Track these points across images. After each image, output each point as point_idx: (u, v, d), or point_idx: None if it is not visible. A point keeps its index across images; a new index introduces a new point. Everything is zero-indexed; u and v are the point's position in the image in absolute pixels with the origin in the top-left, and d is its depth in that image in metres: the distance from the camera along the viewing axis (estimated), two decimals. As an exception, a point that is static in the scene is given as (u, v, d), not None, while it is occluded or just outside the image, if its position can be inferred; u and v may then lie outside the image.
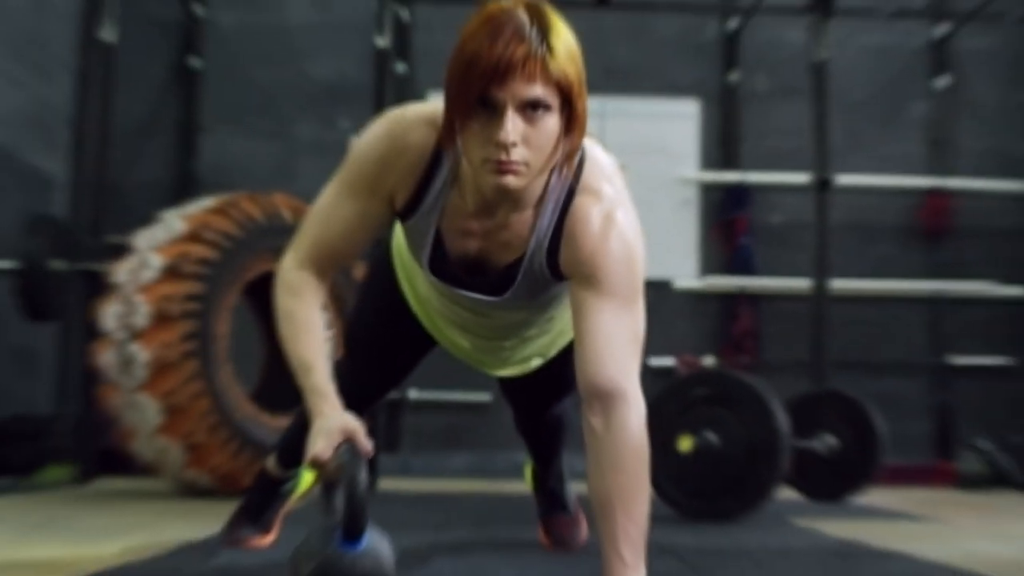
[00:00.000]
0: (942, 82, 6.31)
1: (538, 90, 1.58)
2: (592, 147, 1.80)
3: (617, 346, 1.66)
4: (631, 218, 1.75)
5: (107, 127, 4.80)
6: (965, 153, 6.32)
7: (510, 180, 1.63)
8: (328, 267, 1.84)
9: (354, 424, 1.64)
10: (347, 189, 1.82)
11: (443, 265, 1.87)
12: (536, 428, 2.57)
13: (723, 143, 6.27)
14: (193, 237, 3.96)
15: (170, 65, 6.17)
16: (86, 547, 2.39)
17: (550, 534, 2.64)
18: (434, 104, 1.81)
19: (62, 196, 5.92)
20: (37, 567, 2.07)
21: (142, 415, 3.84)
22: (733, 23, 6.28)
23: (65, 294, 4.74)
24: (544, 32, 1.59)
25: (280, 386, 4.57)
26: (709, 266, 6.21)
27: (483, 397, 5.90)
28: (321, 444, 1.61)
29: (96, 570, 2.02)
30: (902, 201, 6.29)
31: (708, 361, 6.07)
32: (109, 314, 3.90)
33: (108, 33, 4.77)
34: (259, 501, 2.49)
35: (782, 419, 3.41)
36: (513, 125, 1.59)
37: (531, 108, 1.60)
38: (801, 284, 5.80)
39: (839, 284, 5.59)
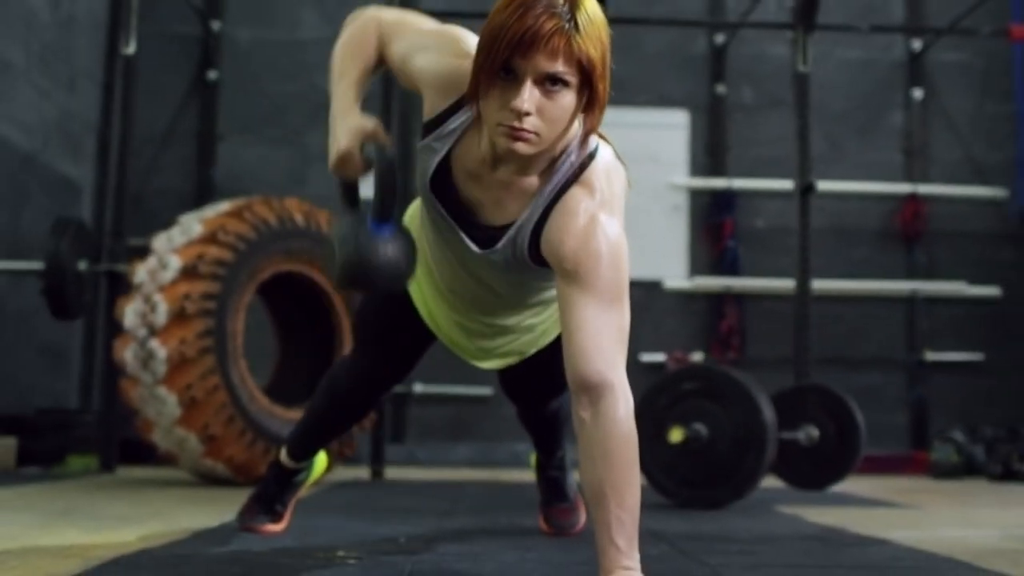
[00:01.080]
0: (918, 94, 6.28)
1: (559, 66, 1.56)
2: (605, 148, 1.77)
3: (603, 340, 1.63)
4: (615, 222, 1.71)
5: (127, 136, 4.76)
6: (939, 161, 6.31)
7: (520, 146, 1.61)
8: (383, 45, 1.95)
9: (373, 124, 1.80)
10: (424, 41, 1.88)
11: (445, 186, 1.83)
12: (536, 421, 2.54)
13: (711, 152, 6.25)
14: (210, 239, 3.93)
15: (189, 78, 6.14)
16: (106, 534, 2.36)
17: (549, 521, 2.62)
18: None
19: (89, 201, 5.91)
20: (58, 552, 2.04)
21: (161, 408, 3.81)
22: (720, 38, 6.26)
23: (88, 293, 4.72)
24: (574, 11, 1.57)
25: (292, 380, 4.55)
26: (697, 267, 6.19)
27: (485, 391, 5.87)
28: (345, 140, 1.78)
29: (114, 556, 1.99)
30: (880, 206, 6.27)
31: (696, 357, 6.05)
32: (130, 312, 3.88)
33: (130, 47, 4.73)
34: (272, 490, 2.46)
35: (769, 412, 3.38)
36: (530, 95, 1.58)
37: (550, 82, 1.58)
38: (784, 285, 5.82)
39: (820, 284, 5.57)
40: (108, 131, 5.90)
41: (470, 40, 1.81)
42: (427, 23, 1.94)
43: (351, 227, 1.72)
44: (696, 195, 6.23)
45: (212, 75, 6.11)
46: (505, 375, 2.39)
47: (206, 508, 3.04)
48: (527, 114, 1.58)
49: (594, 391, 1.61)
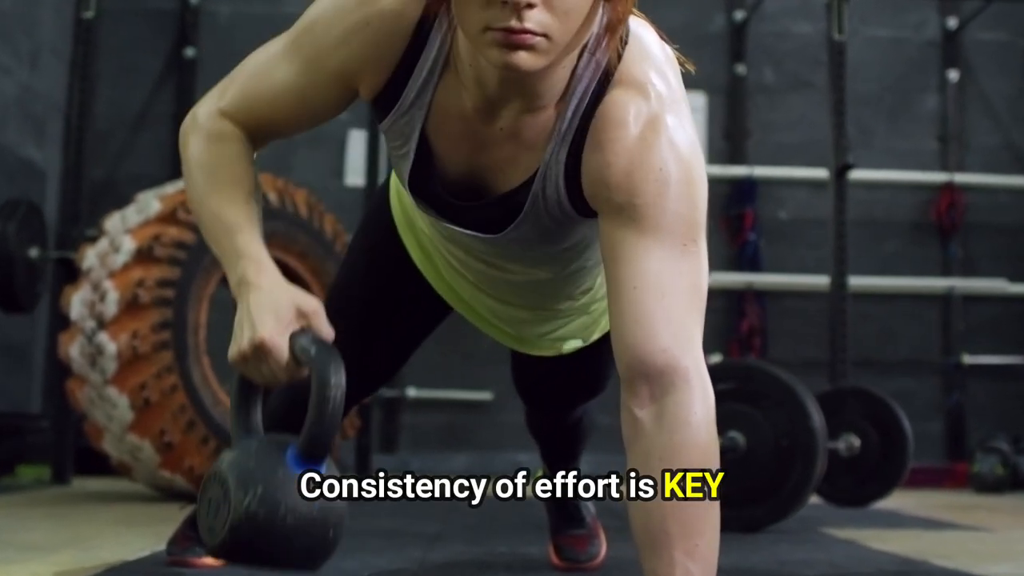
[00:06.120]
0: (953, 76, 5.75)
1: None
2: (643, 28, 1.22)
3: (672, 304, 1.10)
4: (687, 125, 1.18)
5: (86, 110, 4.23)
6: (977, 148, 5.78)
7: (522, 58, 1.06)
8: (254, 131, 1.30)
9: (311, 302, 1.12)
10: (293, 51, 1.27)
11: (430, 187, 1.29)
12: (552, 431, 1.96)
13: (730, 137, 5.72)
14: (168, 218, 3.39)
15: (165, 56, 5.61)
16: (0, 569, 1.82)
17: (561, 552, 2.04)
18: None
19: (55, 187, 5.39)
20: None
21: (111, 411, 3.27)
22: (740, 15, 5.73)
23: (42, 284, 4.17)
24: None
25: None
26: (715, 262, 5.61)
27: (484, 396, 5.34)
28: (272, 323, 1.09)
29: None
30: (912, 197, 5.73)
31: (715, 359, 5.50)
32: (76, 302, 3.34)
33: (90, 10, 4.21)
34: (211, 513, 1.91)
35: (818, 417, 2.83)
36: None
37: None
38: (809, 281, 5.32)
39: (849, 281, 5.05)
40: (72, 110, 5.35)
41: None
42: (277, 41, 1.32)
43: (258, 458, 1.08)
44: (714, 184, 5.64)
45: (190, 52, 5.56)
46: (524, 368, 1.80)
47: (146, 531, 2.49)
48: (528, 6, 1.05)
49: (658, 380, 1.08)
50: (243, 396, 1.14)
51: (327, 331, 1.12)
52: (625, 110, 1.16)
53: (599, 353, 1.65)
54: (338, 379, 1.06)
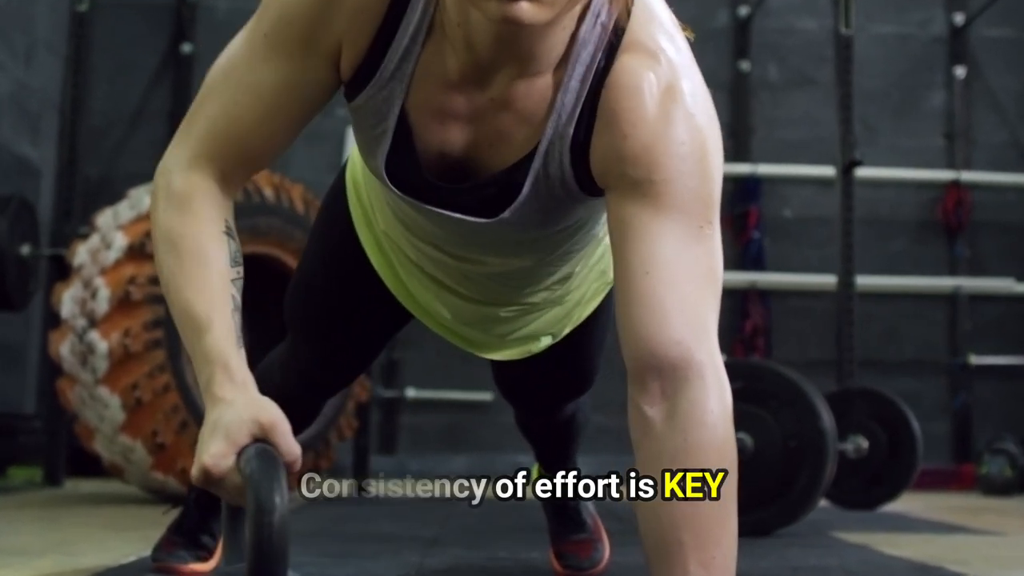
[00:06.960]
0: (960, 72, 5.66)
1: None
2: None
3: (687, 292, 1.01)
4: (701, 91, 1.09)
5: (79, 104, 4.16)
6: (984, 146, 5.68)
7: (524, 10, 0.96)
8: (233, 169, 1.14)
9: (271, 415, 0.96)
10: (267, 44, 1.11)
11: (410, 171, 1.18)
12: (543, 431, 1.87)
13: (734, 134, 5.60)
14: (161, 214, 3.30)
15: (161, 52, 5.52)
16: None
17: (562, 558, 1.96)
18: None
19: (51, 186, 5.30)
20: None
21: (103, 411, 3.19)
22: (744, 10, 5.64)
23: (35, 281, 4.09)
24: None
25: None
26: (719, 261, 5.56)
27: (485, 396, 5.24)
28: (217, 447, 0.94)
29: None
30: (918, 195, 5.64)
31: (718, 359, 5.41)
32: (67, 299, 3.26)
33: (83, 3, 4.13)
34: (198, 518, 1.83)
35: (827, 418, 2.75)
36: None
37: None
38: (814, 280, 5.22)
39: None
40: (66, 106, 5.27)
41: None
42: (236, 46, 1.15)
43: None
44: (717, 182, 5.60)
45: (187, 48, 5.48)
46: (502, 369, 1.70)
47: (135, 535, 2.41)
48: None
49: (671, 375, 0.99)
50: (228, 516, 1.00)
51: (286, 446, 0.96)
52: (639, 77, 1.07)
53: (578, 347, 1.58)
54: (277, 502, 0.88)
